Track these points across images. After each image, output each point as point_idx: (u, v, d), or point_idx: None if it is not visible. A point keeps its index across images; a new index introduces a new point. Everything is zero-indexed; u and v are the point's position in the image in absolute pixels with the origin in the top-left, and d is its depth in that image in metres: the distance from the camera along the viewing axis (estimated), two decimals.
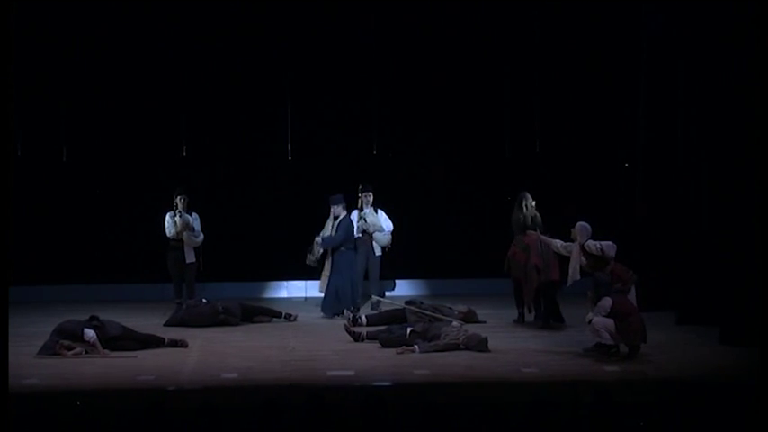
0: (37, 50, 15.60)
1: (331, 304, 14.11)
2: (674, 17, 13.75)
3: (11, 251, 14.64)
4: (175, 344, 12.08)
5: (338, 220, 14.11)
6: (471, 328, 12.37)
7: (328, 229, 14.17)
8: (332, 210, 14.17)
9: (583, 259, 12.03)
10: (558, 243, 12.45)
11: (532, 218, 13.58)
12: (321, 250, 14.21)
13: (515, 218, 13.72)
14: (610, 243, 11.89)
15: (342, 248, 14.08)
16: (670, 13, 13.84)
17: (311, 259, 14.33)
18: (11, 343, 12.02)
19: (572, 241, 12.27)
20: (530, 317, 13.45)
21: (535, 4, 15.96)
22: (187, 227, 14.30)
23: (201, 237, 14.47)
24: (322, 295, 14.37)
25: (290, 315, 14.07)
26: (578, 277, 12.12)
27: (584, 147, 16.24)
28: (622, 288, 11.54)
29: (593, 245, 11.93)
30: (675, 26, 13.72)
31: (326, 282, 14.18)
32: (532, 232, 13.31)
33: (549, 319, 13.20)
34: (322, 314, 14.17)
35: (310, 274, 15.45)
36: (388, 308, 13.86)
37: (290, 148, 16.08)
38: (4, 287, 9.23)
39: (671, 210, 13.93)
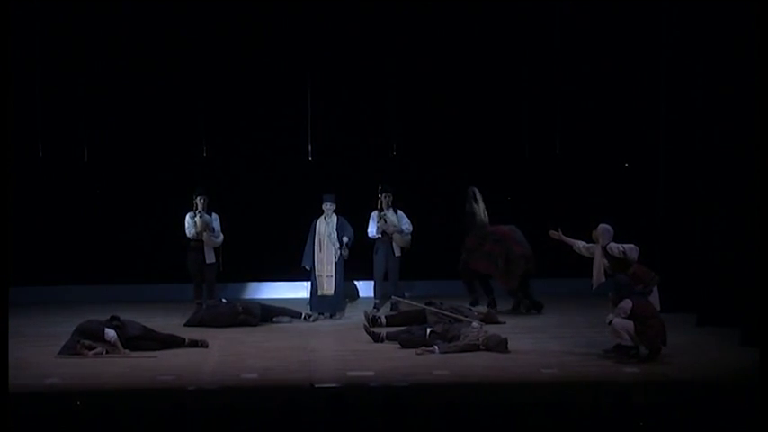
0: (59, 52, 15.68)
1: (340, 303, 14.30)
2: (694, 18, 13.71)
3: (26, 252, 14.81)
4: (195, 344, 12.12)
5: (333, 219, 14.19)
6: (491, 329, 12.36)
7: (323, 226, 14.20)
8: (325, 207, 14.24)
9: (605, 261, 11.99)
10: (580, 244, 12.41)
11: (484, 210, 14.36)
12: (347, 250, 14.24)
13: (477, 213, 14.32)
14: (632, 246, 11.85)
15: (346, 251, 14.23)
16: (690, 14, 13.80)
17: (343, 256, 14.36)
18: (33, 343, 12.26)
19: (593, 243, 12.23)
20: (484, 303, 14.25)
21: (555, 6, 15.92)
22: (207, 227, 14.33)
23: (221, 237, 14.50)
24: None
25: (310, 315, 14.10)
26: (603, 279, 12.08)
27: (605, 148, 16.19)
28: (644, 290, 11.51)
29: (615, 247, 11.89)
30: (696, 26, 13.68)
31: (332, 281, 14.22)
32: (512, 227, 14.24)
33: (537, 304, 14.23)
34: (338, 315, 14.23)
35: None
36: (407, 308, 13.85)
37: (310, 149, 16.11)
38: (5, 287, 9.28)
39: (691, 211, 13.88)
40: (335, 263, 14.22)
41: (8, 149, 10.35)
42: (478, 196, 14.48)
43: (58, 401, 9.25)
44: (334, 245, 14.19)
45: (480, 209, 14.46)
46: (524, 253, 14.08)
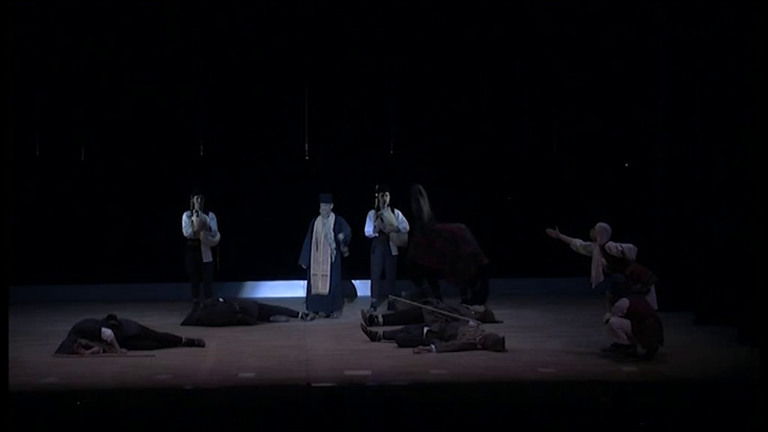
0: (55, 51, 15.67)
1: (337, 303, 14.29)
2: (693, 16, 13.72)
3: (23, 251, 14.81)
4: (193, 343, 12.12)
5: (330, 218, 14.20)
6: (488, 328, 12.36)
7: (320, 226, 14.21)
8: (322, 209, 14.25)
9: (603, 260, 11.98)
10: (577, 242, 12.41)
11: (429, 208, 14.49)
12: (346, 247, 14.23)
13: (425, 209, 14.43)
14: (631, 245, 11.85)
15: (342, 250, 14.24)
16: (689, 13, 13.80)
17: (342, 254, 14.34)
18: (30, 342, 12.25)
19: (591, 241, 12.23)
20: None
21: (554, 6, 15.92)
22: (204, 226, 14.32)
23: (218, 236, 14.49)
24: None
25: (307, 314, 14.10)
26: (602, 278, 12.07)
27: (602, 147, 16.19)
28: (642, 289, 11.51)
29: (613, 246, 11.88)
30: (694, 25, 13.68)
31: (327, 281, 14.20)
32: (461, 225, 14.47)
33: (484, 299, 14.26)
34: (335, 315, 14.22)
35: None
36: (404, 307, 13.85)
37: (307, 148, 16.10)
38: (4, 287, 9.28)
39: (689, 210, 13.89)
40: (332, 263, 14.22)
41: (8, 150, 10.34)
42: (424, 193, 14.48)
43: (55, 401, 9.25)
44: (330, 245, 14.19)
45: (426, 206, 14.47)
46: (474, 251, 14.25)
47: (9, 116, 10.68)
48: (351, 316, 14.11)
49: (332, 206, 14.29)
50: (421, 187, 14.51)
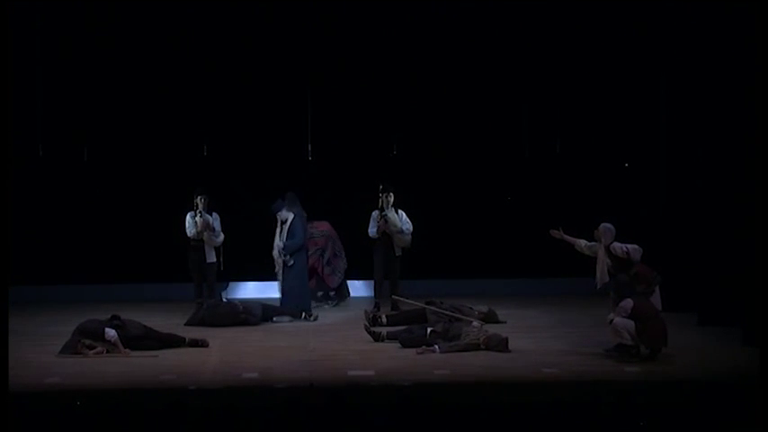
0: (59, 51, 15.69)
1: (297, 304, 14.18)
2: (695, 16, 13.71)
3: (26, 251, 14.81)
4: (196, 343, 12.11)
5: (288, 223, 14.13)
6: (492, 329, 12.35)
7: (277, 236, 14.19)
8: (278, 217, 14.18)
9: (608, 261, 11.97)
10: (582, 243, 12.38)
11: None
12: (288, 256, 14.15)
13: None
14: (636, 246, 11.83)
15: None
16: (691, 13, 13.80)
17: (285, 263, 14.24)
18: (33, 342, 12.26)
19: (595, 241, 12.21)
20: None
21: (557, 6, 15.91)
22: (208, 227, 14.32)
23: (222, 237, 14.49)
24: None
25: (310, 315, 14.09)
26: (607, 279, 12.04)
27: (605, 147, 16.20)
28: (646, 290, 11.50)
29: (618, 247, 11.87)
30: (697, 25, 13.68)
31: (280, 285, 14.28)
32: (327, 222, 15.14)
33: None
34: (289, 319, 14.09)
35: None
36: (408, 308, 13.85)
37: (310, 149, 16.11)
38: (4, 287, 9.28)
39: (692, 210, 13.88)
40: (282, 267, 14.22)
41: (8, 150, 10.34)
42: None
43: (58, 401, 9.24)
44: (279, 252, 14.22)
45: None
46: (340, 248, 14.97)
47: (10, 117, 10.67)
48: (354, 315, 14.09)
49: (282, 212, 14.17)
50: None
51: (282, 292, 14.27)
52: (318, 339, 12.69)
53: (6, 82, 10.27)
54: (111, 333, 11.60)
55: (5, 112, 10.19)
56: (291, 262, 14.10)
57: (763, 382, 8.88)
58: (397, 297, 14.34)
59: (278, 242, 14.17)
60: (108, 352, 11.54)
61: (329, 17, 15.89)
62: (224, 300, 14.11)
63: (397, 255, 14.70)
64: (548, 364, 10.97)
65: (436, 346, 11.64)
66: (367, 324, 12.81)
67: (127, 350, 11.61)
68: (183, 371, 10.80)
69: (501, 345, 11.65)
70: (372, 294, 14.97)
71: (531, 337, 12.54)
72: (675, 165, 14.36)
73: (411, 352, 11.65)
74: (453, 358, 11.32)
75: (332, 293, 15.38)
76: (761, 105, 10.96)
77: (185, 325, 13.45)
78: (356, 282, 16.08)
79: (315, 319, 14.03)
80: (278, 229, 14.24)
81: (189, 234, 14.41)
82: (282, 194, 14.30)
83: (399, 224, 14.58)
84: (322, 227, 15.21)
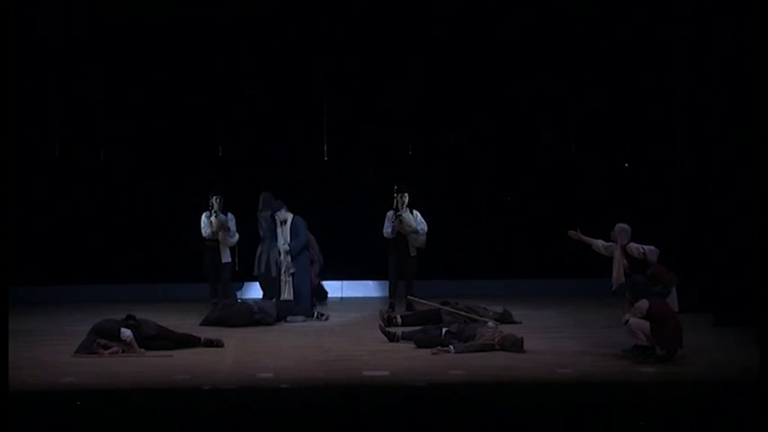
0: (75, 52, 15.73)
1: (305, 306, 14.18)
2: (709, 17, 13.68)
3: (41, 251, 14.84)
4: (211, 343, 12.12)
5: (287, 223, 14.12)
6: (507, 329, 12.33)
7: (280, 236, 14.16)
8: (276, 217, 14.17)
9: (624, 261, 11.93)
10: (599, 243, 12.34)
11: None
12: (290, 258, 14.14)
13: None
14: (652, 248, 11.78)
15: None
16: (705, 13, 13.76)
17: (290, 271, 14.22)
18: (49, 342, 12.29)
19: (612, 242, 12.18)
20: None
21: (571, 6, 15.88)
22: (222, 227, 14.34)
23: (237, 237, 14.52)
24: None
25: (323, 315, 14.10)
26: (623, 280, 12.01)
27: (621, 148, 16.17)
28: (662, 291, 11.46)
29: (635, 248, 11.83)
30: (711, 25, 13.64)
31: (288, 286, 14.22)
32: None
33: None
34: (303, 319, 14.06)
35: (345, 274, 15.58)
36: (423, 308, 13.84)
37: (325, 149, 16.12)
38: (4, 287, 9.30)
39: (708, 211, 13.84)
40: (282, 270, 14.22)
41: (8, 150, 10.38)
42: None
43: (74, 400, 9.26)
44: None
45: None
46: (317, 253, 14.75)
47: (10, 117, 10.71)
48: (368, 316, 14.09)
49: (281, 212, 14.16)
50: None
51: (294, 293, 14.23)
52: (333, 339, 12.69)
53: (6, 82, 10.30)
54: (126, 333, 11.62)
55: (6, 114, 10.23)
56: (293, 270, 14.10)
57: (763, 383, 8.85)
58: (411, 297, 14.33)
59: (281, 243, 14.16)
60: (123, 352, 11.56)
61: (345, 18, 15.90)
62: (239, 300, 14.10)
63: (411, 255, 14.67)
64: (563, 364, 10.95)
65: (451, 347, 11.63)
66: (382, 324, 12.81)
67: (142, 350, 11.63)
68: (197, 371, 10.81)
69: (516, 345, 11.63)
70: (387, 295, 14.95)
71: (546, 338, 12.51)
72: (691, 165, 14.31)
73: (426, 352, 11.64)
74: (468, 359, 11.31)
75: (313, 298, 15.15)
76: None
77: (200, 325, 13.46)
78: (370, 282, 16.10)
79: (326, 319, 14.02)
80: (278, 230, 14.22)
81: (204, 234, 14.44)
82: (274, 195, 14.28)
83: (414, 224, 14.55)
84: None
